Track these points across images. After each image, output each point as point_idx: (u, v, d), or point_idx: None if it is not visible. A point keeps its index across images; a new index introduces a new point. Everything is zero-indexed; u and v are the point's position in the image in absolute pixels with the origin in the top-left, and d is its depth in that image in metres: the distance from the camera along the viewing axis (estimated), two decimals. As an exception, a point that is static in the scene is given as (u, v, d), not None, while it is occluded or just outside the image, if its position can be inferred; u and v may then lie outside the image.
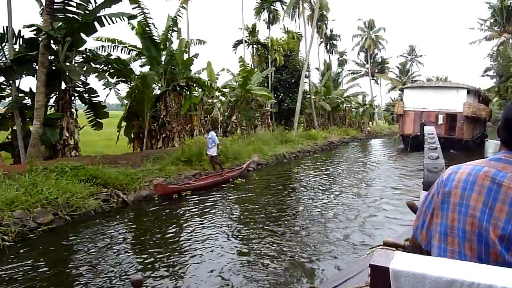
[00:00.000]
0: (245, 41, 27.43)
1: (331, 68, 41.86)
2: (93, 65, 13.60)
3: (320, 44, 43.64)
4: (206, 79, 20.71)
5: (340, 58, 47.20)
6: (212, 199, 10.30)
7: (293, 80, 28.31)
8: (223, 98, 23.68)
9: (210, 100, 22.58)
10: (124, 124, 16.61)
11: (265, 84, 28.04)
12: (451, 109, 24.80)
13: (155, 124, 16.93)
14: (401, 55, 62.60)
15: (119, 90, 16.22)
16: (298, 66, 28.55)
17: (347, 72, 54.99)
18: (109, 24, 12.11)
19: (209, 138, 12.24)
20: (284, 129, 26.10)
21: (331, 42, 43.08)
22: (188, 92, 18.59)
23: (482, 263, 1.09)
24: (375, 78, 56.27)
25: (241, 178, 12.86)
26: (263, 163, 16.07)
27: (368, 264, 1.07)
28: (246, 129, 21.69)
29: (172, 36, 17.22)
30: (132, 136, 16.86)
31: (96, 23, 11.83)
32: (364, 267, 2.40)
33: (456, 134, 24.53)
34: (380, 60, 55.75)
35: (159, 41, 16.70)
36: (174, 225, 8.05)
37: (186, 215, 8.87)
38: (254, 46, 28.55)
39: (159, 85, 16.88)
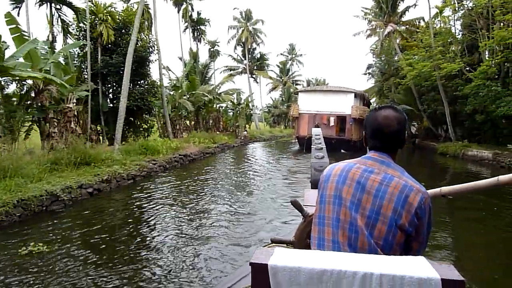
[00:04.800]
0: (32, -7, 17.15)
1: (198, 59, 33.71)
2: None
3: (185, 30, 35.22)
4: None
5: (212, 49, 39.45)
6: None
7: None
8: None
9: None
10: None
11: (84, 69, 18.31)
12: (341, 112, 26.37)
13: None
14: (281, 54, 58.85)
15: None
16: (138, 46, 19.51)
17: (223, 68, 48.08)
18: None
19: None
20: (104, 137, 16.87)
21: (198, 27, 34.99)
22: None
23: (352, 248, 1.27)
24: (254, 75, 50.43)
25: None
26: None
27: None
28: (14, 139, 11.79)
29: None
30: None
31: None
32: None
33: (346, 135, 26.15)
34: (259, 55, 50.07)
35: None
36: None
37: None
38: (53, 5, 18.27)
39: None
